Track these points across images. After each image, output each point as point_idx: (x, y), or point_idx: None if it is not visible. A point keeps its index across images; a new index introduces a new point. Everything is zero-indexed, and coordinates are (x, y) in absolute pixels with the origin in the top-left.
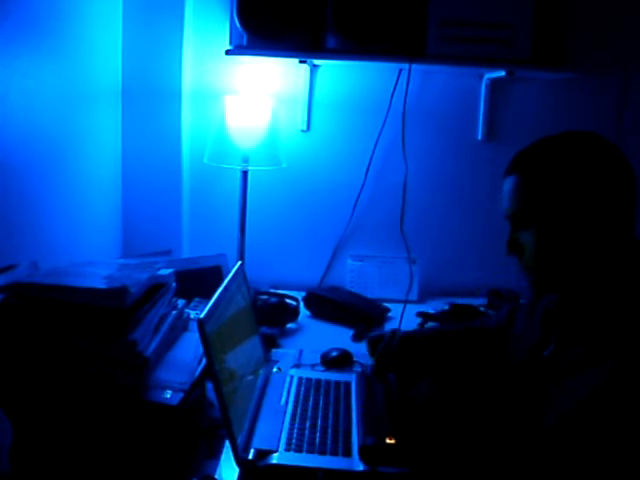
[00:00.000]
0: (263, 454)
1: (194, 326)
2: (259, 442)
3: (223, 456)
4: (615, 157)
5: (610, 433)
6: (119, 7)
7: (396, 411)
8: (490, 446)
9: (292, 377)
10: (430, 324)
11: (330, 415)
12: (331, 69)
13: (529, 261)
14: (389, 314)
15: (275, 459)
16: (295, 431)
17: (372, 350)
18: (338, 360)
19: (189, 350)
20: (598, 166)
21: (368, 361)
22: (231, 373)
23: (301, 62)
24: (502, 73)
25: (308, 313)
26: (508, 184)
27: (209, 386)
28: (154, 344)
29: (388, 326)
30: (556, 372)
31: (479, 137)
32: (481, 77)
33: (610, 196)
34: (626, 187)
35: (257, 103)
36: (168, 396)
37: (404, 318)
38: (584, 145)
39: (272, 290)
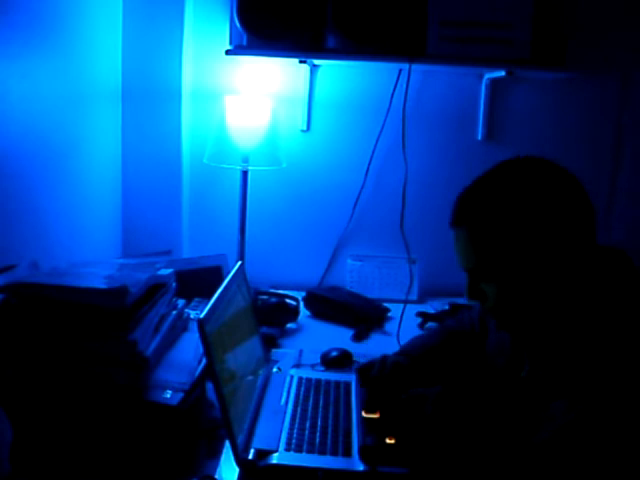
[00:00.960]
0: (263, 454)
1: (194, 326)
2: (259, 442)
3: (223, 456)
4: (557, 179)
5: (587, 459)
6: (119, 7)
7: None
8: (486, 453)
9: (292, 377)
10: (430, 324)
11: (330, 415)
12: (331, 69)
13: (492, 306)
14: (389, 314)
15: (275, 459)
16: (295, 431)
17: (363, 381)
18: (338, 360)
19: (189, 350)
20: (547, 200)
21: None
22: (231, 373)
23: (301, 62)
24: (502, 73)
25: (308, 313)
26: (457, 237)
27: (209, 386)
28: (154, 344)
29: (388, 326)
30: (535, 393)
31: (479, 137)
32: (481, 77)
33: (565, 225)
34: (577, 207)
35: (257, 103)
36: (168, 396)
37: (404, 318)
38: (523, 179)
39: (272, 290)
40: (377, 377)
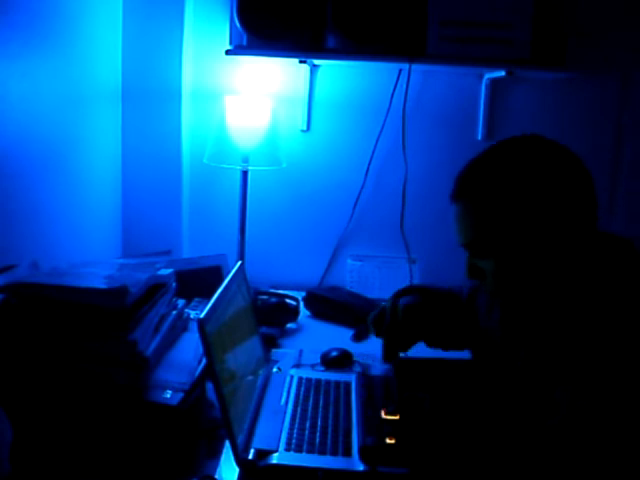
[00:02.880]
0: (263, 454)
1: (194, 326)
2: (259, 442)
3: (223, 456)
4: (562, 159)
5: (594, 444)
6: (119, 7)
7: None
8: (487, 448)
9: (292, 377)
10: None
11: (330, 415)
12: (331, 69)
13: (492, 285)
14: None
15: (275, 459)
16: (295, 431)
17: (377, 331)
18: (338, 360)
19: (189, 350)
20: (547, 177)
21: (368, 361)
22: (231, 373)
23: (301, 62)
24: (502, 73)
25: (308, 313)
26: (456, 212)
27: (209, 386)
28: (154, 344)
29: None
30: (533, 381)
31: (479, 137)
32: (481, 77)
33: (566, 205)
34: (580, 189)
35: (257, 103)
36: (168, 396)
37: None
38: (527, 156)
39: (272, 290)
40: (391, 325)
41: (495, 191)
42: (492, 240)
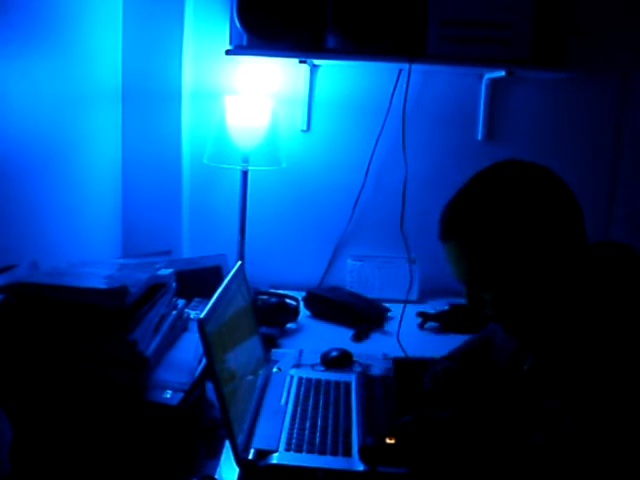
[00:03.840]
0: (263, 454)
1: (194, 326)
2: (259, 442)
3: (223, 456)
4: (543, 182)
5: (586, 462)
6: (119, 7)
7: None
8: (487, 453)
9: (292, 377)
10: (430, 324)
11: (330, 415)
12: (331, 69)
13: (493, 312)
14: (389, 314)
15: (275, 459)
16: (295, 431)
17: (423, 399)
18: (338, 360)
19: (189, 350)
20: (532, 204)
21: (368, 361)
22: (231, 373)
23: (301, 62)
24: (502, 73)
25: (308, 313)
26: (447, 251)
27: (209, 386)
28: (154, 344)
29: (388, 326)
30: (537, 388)
31: (479, 137)
32: (481, 77)
33: (555, 227)
34: (564, 207)
35: (257, 103)
36: (168, 396)
37: (404, 318)
38: (508, 185)
39: (272, 290)
40: (434, 388)
41: (483, 227)
42: (487, 274)
